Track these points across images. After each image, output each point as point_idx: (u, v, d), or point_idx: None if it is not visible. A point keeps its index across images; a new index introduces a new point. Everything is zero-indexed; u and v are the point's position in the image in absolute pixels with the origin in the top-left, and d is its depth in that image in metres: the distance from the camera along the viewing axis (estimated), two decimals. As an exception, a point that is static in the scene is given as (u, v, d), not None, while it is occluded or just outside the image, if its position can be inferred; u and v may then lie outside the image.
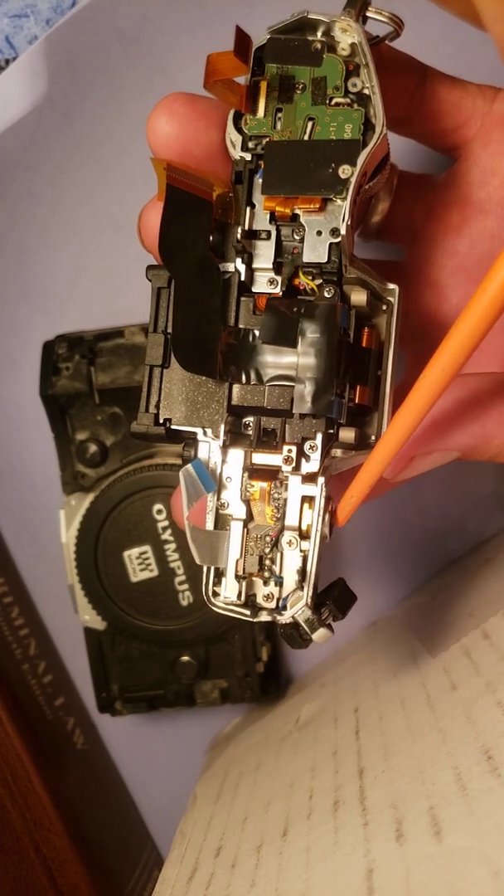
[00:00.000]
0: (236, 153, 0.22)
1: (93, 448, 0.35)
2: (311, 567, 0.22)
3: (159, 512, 0.34)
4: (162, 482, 0.34)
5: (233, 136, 0.22)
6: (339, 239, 0.22)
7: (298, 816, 0.22)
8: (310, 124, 0.22)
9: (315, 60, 0.22)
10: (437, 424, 0.23)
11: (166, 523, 0.34)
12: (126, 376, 0.34)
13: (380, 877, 0.17)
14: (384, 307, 0.22)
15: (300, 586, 0.22)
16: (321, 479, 0.22)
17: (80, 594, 0.35)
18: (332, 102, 0.22)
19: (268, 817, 0.24)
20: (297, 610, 0.22)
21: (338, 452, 0.22)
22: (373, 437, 0.22)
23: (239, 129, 0.22)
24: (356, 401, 0.22)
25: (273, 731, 0.32)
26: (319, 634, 0.22)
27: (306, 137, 0.22)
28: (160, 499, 0.34)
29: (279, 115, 0.22)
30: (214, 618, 0.34)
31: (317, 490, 0.22)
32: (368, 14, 0.22)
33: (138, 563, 0.35)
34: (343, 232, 0.22)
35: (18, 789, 0.33)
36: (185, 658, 0.36)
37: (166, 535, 0.34)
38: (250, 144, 0.22)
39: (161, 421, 0.23)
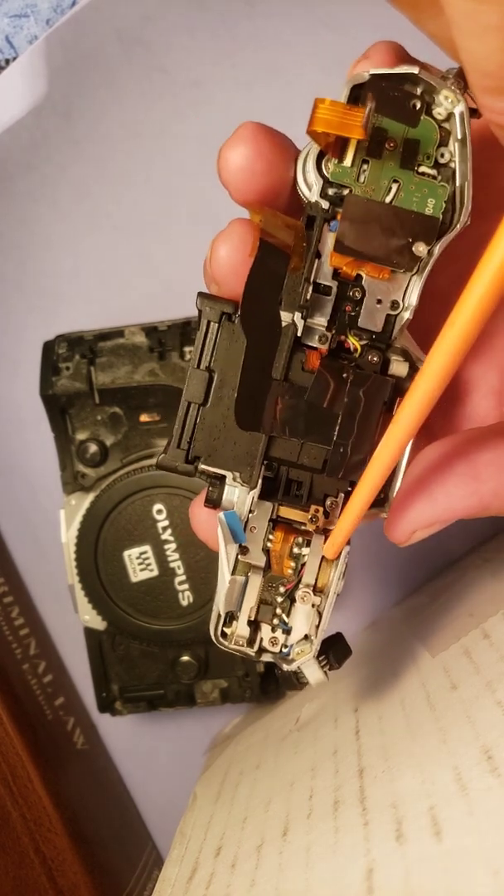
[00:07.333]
0: (313, 196, 0.21)
1: (93, 448, 0.35)
2: (324, 624, 0.23)
3: (159, 512, 0.34)
4: (162, 482, 0.34)
5: (312, 177, 0.21)
6: (397, 312, 0.22)
7: (298, 816, 0.22)
8: (394, 186, 0.21)
9: (412, 120, 0.20)
10: (483, 499, 0.22)
11: (166, 523, 0.34)
12: (126, 376, 0.34)
13: (380, 876, 0.17)
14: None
15: (306, 637, 0.23)
16: (346, 548, 0.22)
17: (81, 594, 0.35)
18: (420, 170, 0.21)
19: (268, 817, 0.24)
20: (304, 661, 0.23)
21: None
22: (383, 495, 0.22)
23: (320, 172, 0.21)
24: None
25: (273, 731, 0.32)
26: (317, 680, 0.23)
27: (388, 200, 0.21)
28: (160, 499, 0.34)
29: (364, 167, 0.21)
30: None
31: (339, 557, 0.22)
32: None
33: (138, 563, 0.35)
34: (408, 316, 0.22)
35: (18, 789, 0.33)
36: (185, 658, 0.36)
37: (166, 535, 0.34)
38: (330, 192, 0.21)
39: (191, 458, 0.23)
